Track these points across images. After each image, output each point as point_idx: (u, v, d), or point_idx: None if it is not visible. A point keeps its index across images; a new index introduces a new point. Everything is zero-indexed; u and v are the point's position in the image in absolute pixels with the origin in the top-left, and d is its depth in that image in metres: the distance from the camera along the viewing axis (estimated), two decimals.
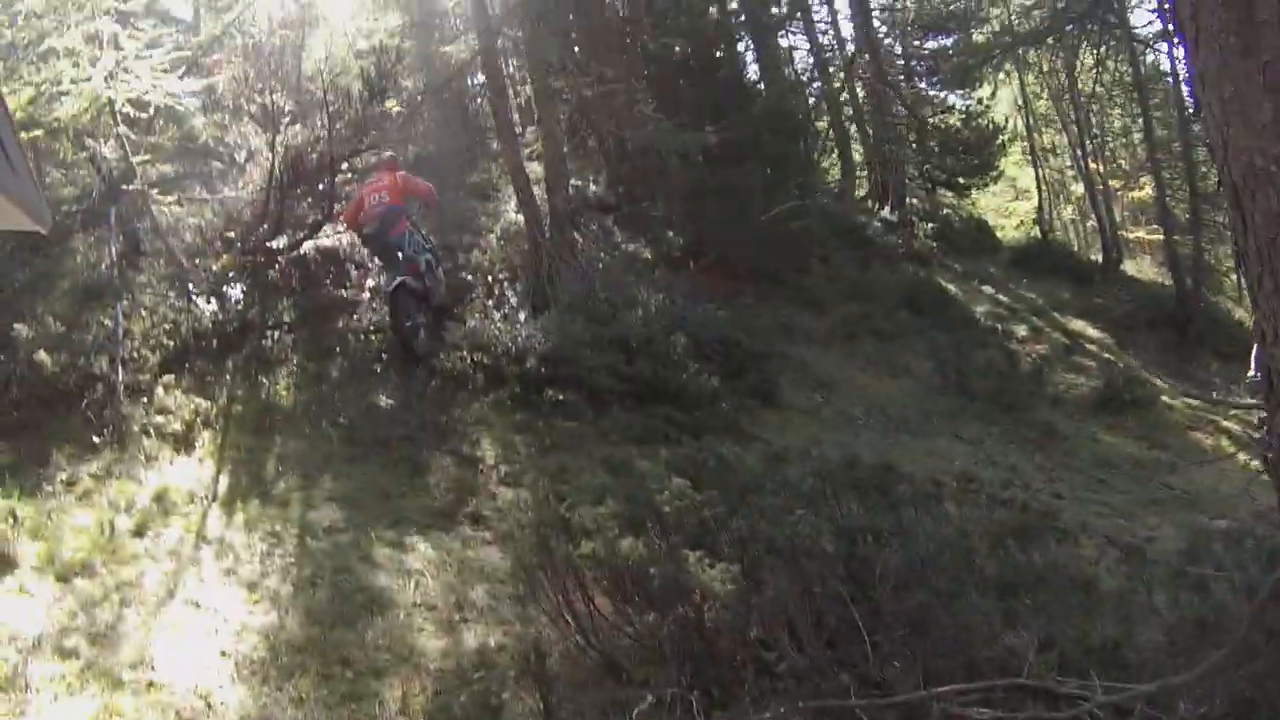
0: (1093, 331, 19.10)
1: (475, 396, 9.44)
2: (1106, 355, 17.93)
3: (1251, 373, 12.06)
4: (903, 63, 23.73)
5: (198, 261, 10.68)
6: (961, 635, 5.57)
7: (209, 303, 10.12)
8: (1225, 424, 15.23)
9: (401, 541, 6.89)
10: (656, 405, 10.14)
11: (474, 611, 6.08)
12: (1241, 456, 13.25)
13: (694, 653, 5.17)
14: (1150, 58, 22.67)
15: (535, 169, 13.63)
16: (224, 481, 7.75)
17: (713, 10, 18.11)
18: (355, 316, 10.76)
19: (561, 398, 9.65)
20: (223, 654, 5.64)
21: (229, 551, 6.77)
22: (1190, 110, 21.51)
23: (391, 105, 12.60)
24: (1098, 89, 20.57)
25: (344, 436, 8.62)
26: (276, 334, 10.13)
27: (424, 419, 8.85)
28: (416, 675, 5.41)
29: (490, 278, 11.55)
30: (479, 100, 16.92)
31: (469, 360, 9.78)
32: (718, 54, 18.30)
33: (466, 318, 10.43)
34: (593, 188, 14.98)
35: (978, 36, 24.59)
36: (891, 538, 6.48)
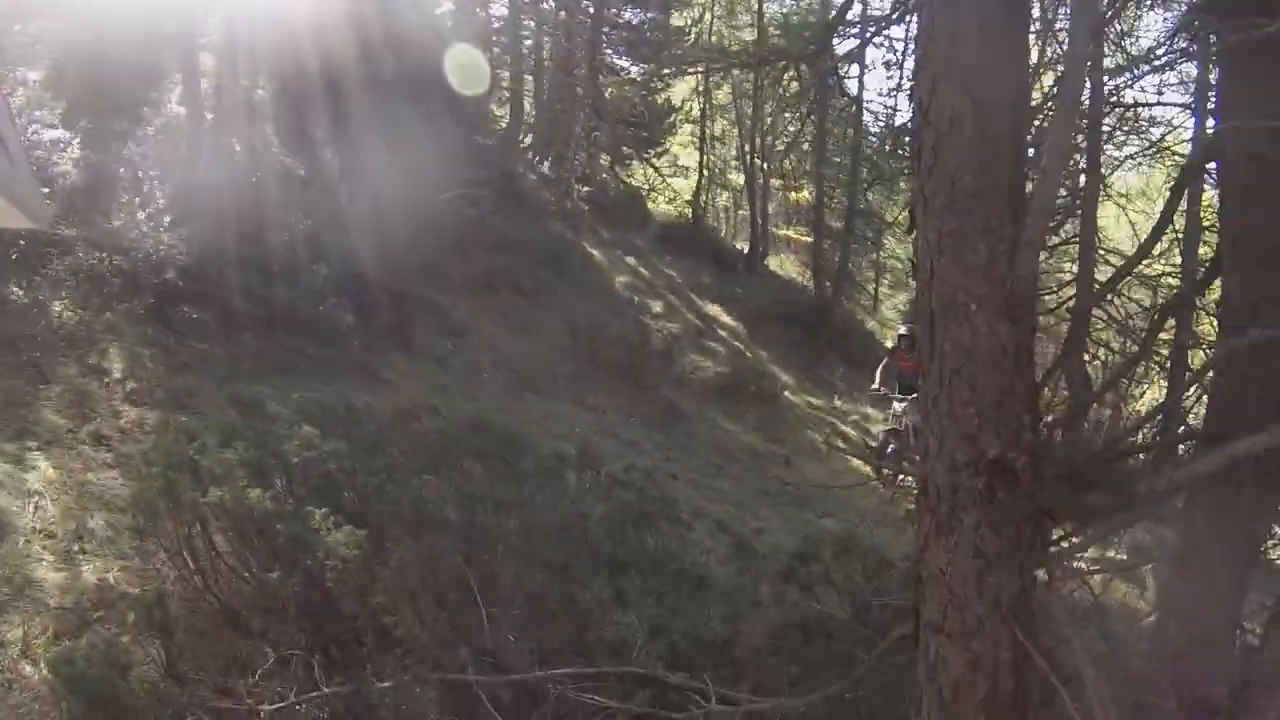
0: (727, 319, 19.84)
1: (109, 303, 8.96)
2: (737, 344, 18.69)
3: (875, 385, 13.50)
4: (594, 27, 23.90)
5: None
6: (575, 613, 5.80)
7: None
8: (842, 426, 16.48)
9: (23, 457, 6.60)
10: (290, 335, 10.12)
11: (93, 542, 5.95)
12: (853, 461, 14.47)
13: (316, 613, 5.20)
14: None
15: (207, 61, 13.13)
16: None
17: None
18: None
19: (196, 316, 9.47)
20: None
21: None
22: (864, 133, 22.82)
23: None
24: (780, 92, 21.52)
25: None
26: None
27: (53, 321, 8.36)
28: (38, 614, 5.22)
29: (140, 173, 11.06)
30: None
31: (108, 262, 9.25)
32: None
33: (112, 215, 9.85)
34: (259, 92, 14.48)
35: (675, 20, 25.04)
36: (513, 508, 6.58)
